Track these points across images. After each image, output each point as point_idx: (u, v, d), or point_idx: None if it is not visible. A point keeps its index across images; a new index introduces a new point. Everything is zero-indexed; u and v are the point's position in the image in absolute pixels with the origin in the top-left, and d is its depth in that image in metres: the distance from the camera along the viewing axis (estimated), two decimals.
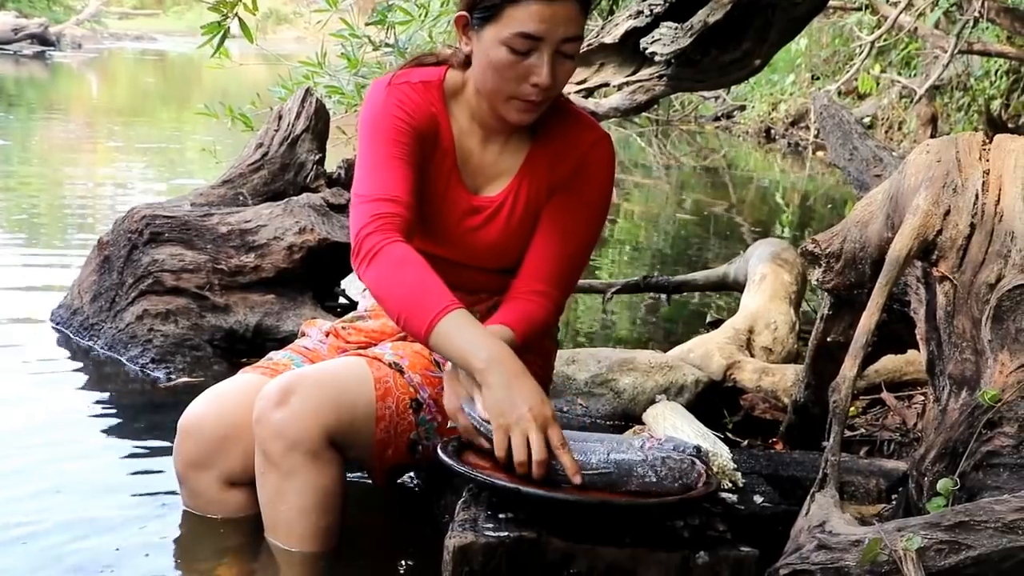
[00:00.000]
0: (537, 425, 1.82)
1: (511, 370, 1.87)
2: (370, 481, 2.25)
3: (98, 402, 3.11)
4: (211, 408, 2.18)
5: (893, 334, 2.43)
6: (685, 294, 4.75)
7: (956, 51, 6.95)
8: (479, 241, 2.23)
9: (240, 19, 3.13)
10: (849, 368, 2.01)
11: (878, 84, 10.80)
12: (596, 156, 2.20)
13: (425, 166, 2.16)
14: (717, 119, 14.32)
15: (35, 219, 5.99)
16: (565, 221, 2.18)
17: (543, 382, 2.32)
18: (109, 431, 2.90)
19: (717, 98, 14.10)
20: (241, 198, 3.76)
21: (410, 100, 2.13)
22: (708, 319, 4.41)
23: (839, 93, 10.37)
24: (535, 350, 2.29)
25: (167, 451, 2.71)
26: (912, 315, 2.31)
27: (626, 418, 3.03)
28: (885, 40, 7.61)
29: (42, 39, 20.15)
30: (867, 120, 10.79)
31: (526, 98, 2.04)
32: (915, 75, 10.12)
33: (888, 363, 3.08)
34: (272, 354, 2.32)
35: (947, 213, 2.11)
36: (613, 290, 4.38)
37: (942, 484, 1.87)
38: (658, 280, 4.51)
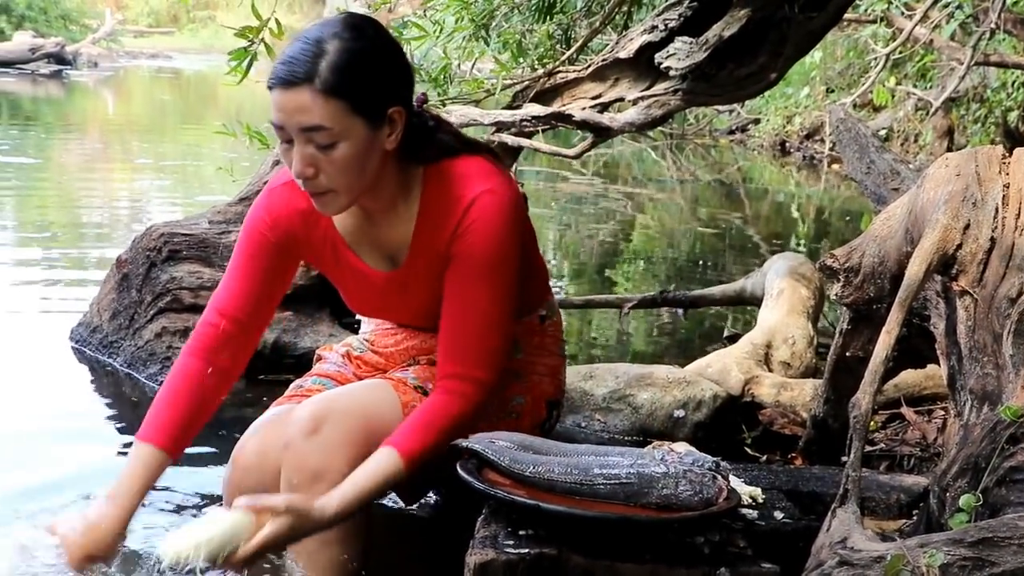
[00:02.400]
0: None
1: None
2: (395, 498, 2.25)
3: (118, 419, 3.13)
4: (254, 439, 2.17)
5: (913, 348, 2.42)
6: (701, 308, 4.74)
7: (972, 63, 6.91)
8: (407, 307, 2.24)
9: (266, 43, 3.15)
10: (869, 383, 2.00)
11: (893, 96, 10.76)
12: (474, 216, 2.02)
13: (314, 260, 2.21)
14: (731, 132, 14.31)
15: (53, 237, 6.03)
16: (462, 293, 2.05)
17: (552, 397, 2.32)
18: (127, 448, 2.90)
19: (731, 111, 14.09)
20: None
21: (278, 205, 2.13)
22: (725, 334, 4.41)
23: (854, 106, 10.35)
24: (540, 371, 2.29)
25: (187, 468, 2.74)
26: (932, 330, 2.30)
27: (644, 433, 3.02)
28: (900, 52, 7.58)
29: (59, 58, 20.27)
30: (883, 133, 10.76)
31: (303, 187, 1.98)
32: (931, 87, 10.10)
33: (908, 377, 3.07)
34: (300, 381, 2.31)
35: (967, 227, 2.10)
36: (630, 305, 4.37)
37: (964, 500, 1.85)
38: (675, 295, 4.50)
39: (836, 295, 2.48)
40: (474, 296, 2.04)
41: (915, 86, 10.41)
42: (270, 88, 1.90)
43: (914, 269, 2.08)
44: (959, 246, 2.09)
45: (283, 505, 1.85)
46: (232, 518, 1.84)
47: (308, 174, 1.93)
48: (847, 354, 2.60)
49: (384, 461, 1.94)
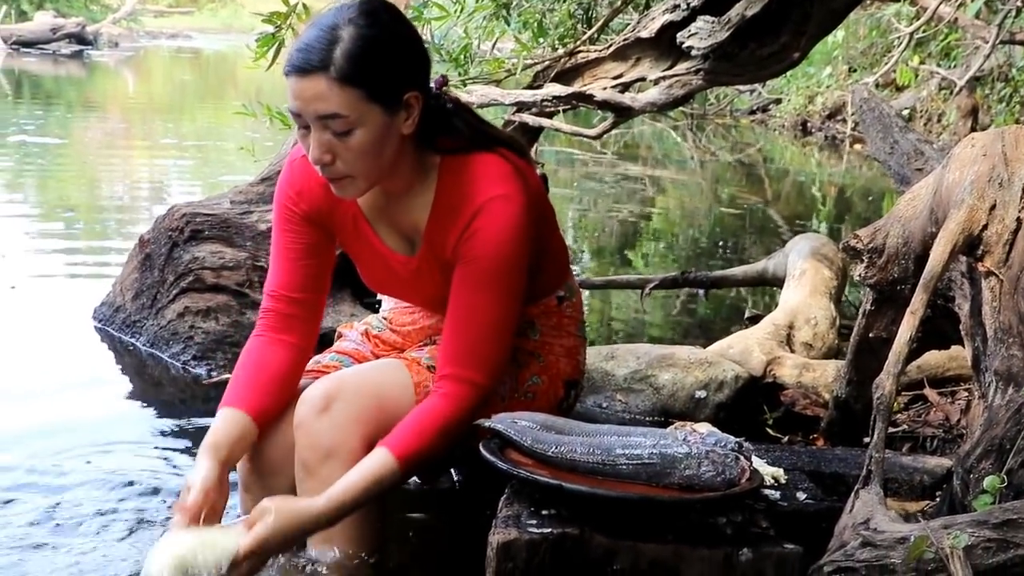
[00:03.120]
0: None
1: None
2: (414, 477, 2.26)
3: (141, 398, 3.15)
4: None
5: (936, 329, 2.41)
6: (722, 289, 4.73)
7: (997, 41, 6.86)
8: (420, 293, 2.25)
9: (293, 29, 3.15)
10: (893, 365, 2.00)
11: (917, 76, 10.68)
12: (482, 222, 2.01)
13: (336, 232, 2.19)
14: (752, 112, 14.23)
15: (76, 216, 6.06)
16: (466, 297, 2.04)
17: (571, 378, 2.32)
18: (152, 427, 2.93)
19: (752, 91, 14.01)
20: None
21: (299, 178, 2.14)
22: (747, 314, 4.39)
23: (877, 85, 10.27)
24: (557, 351, 2.29)
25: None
26: (956, 311, 2.29)
27: (665, 414, 3.02)
28: (924, 31, 7.53)
29: (79, 38, 20.34)
30: (906, 112, 10.67)
31: (321, 172, 1.98)
32: (955, 66, 10.00)
33: (931, 359, 3.06)
34: (319, 358, 2.31)
35: (993, 207, 2.09)
36: (651, 286, 4.36)
37: (989, 481, 1.85)
38: (696, 275, 4.49)
39: (859, 276, 2.47)
40: (477, 301, 2.04)
41: (939, 65, 10.31)
42: (286, 75, 1.91)
43: (939, 250, 2.07)
44: (985, 227, 2.08)
45: (268, 504, 1.86)
46: (218, 529, 1.86)
47: (325, 160, 1.94)
48: (870, 335, 2.59)
49: (378, 462, 1.95)
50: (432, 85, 2.07)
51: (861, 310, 2.62)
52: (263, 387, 2.10)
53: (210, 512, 1.93)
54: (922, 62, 10.53)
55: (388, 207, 2.13)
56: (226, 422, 2.05)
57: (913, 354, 2.32)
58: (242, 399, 2.08)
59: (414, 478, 2.30)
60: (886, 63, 8.04)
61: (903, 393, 3.07)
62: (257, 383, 2.10)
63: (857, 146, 11.22)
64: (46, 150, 8.42)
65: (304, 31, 1.95)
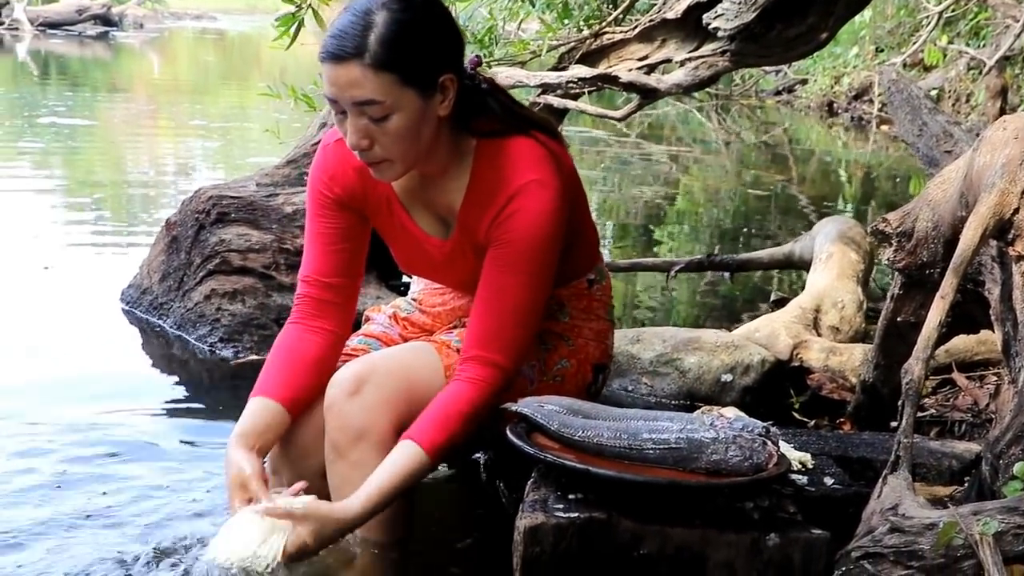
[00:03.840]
0: None
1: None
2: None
3: (168, 379, 3.17)
4: None
5: (966, 314, 2.39)
6: (747, 272, 4.71)
7: None
8: (452, 276, 2.25)
9: (313, 9, 3.15)
10: (922, 349, 1.98)
11: (945, 56, 10.59)
12: (517, 206, 2.01)
13: (370, 215, 2.19)
14: (778, 93, 14.14)
15: (103, 199, 6.10)
16: (497, 278, 2.04)
17: (599, 362, 2.32)
18: (179, 409, 2.95)
19: (778, 72, 13.92)
20: (306, 178, 3.75)
21: (333, 163, 2.13)
22: (772, 298, 4.38)
23: (904, 65, 10.18)
24: (586, 335, 2.28)
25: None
26: (986, 295, 2.27)
27: (691, 397, 3.02)
28: (953, 10, 7.46)
29: (105, 20, 20.44)
30: (934, 93, 10.58)
31: (359, 157, 1.99)
32: (984, 46, 9.89)
33: (959, 343, 3.03)
34: (347, 341, 2.30)
35: None
36: (676, 269, 4.35)
37: (1019, 467, 1.83)
38: (722, 258, 4.48)
39: (888, 260, 2.45)
40: (507, 285, 2.04)
41: (968, 45, 10.21)
42: (322, 61, 1.90)
43: (969, 234, 2.05)
44: (1016, 210, 2.06)
45: (302, 511, 1.87)
46: (270, 520, 1.87)
47: (363, 145, 1.94)
48: (898, 319, 2.57)
49: (407, 456, 1.96)
50: (467, 65, 2.06)
51: (889, 294, 2.61)
52: (296, 375, 2.10)
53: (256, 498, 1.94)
54: (950, 42, 10.42)
55: (423, 189, 2.13)
56: (256, 412, 2.06)
57: (942, 338, 2.30)
58: (274, 388, 2.08)
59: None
60: (914, 43, 7.97)
61: (931, 377, 3.05)
62: (290, 371, 2.10)
63: (884, 127, 11.14)
64: (76, 131, 8.48)
65: (338, 16, 1.94)
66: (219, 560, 1.83)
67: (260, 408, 2.06)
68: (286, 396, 2.07)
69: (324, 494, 2.10)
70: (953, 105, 10.62)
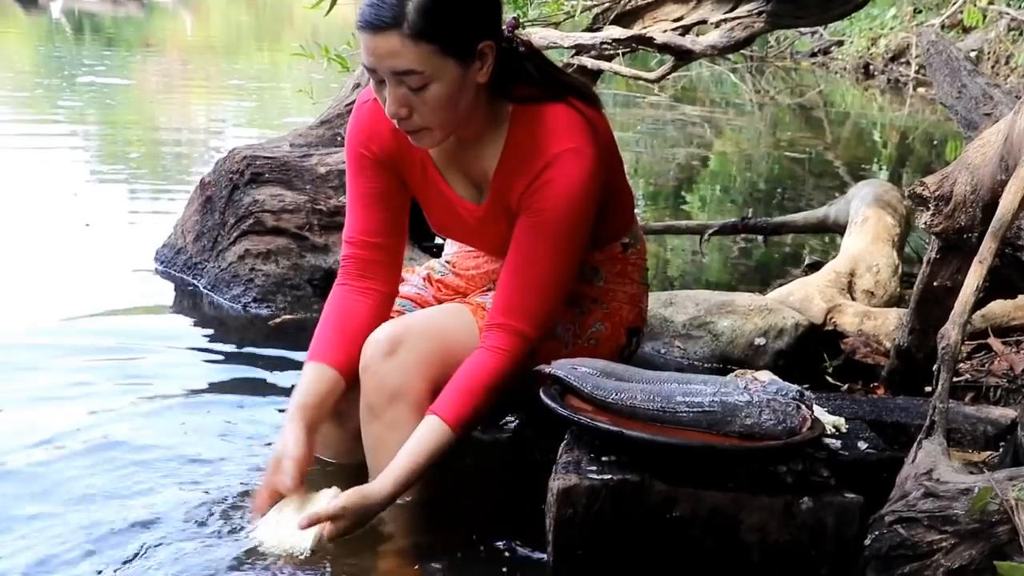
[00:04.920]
0: None
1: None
2: None
3: (203, 339, 3.19)
4: None
5: (1003, 279, 2.38)
6: (780, 236, 4.68)
7: None
8: (485, 240, 2.25)
9: None
10: (959, 314, 1.97)
11: (985, 17, 10.41)
12: (552, 174, 1.99)
13: (406, 177, 2.18)
14: (813, 55, 13.98)
15: (137, 159, 6.14)
16: (527, 246, 2.04)
17: (633, 325, 2.32)
18: (214, 367, 2.97)
19: (814, 33, 13.75)
20: (339, 138, 3.78)
21: (369, 123, 2.13)
22: (806, 261, 4.35)
23: (943, 27, 10.03)
24: (620, 298, 2.28)
25: (271, 387, 2.79)
26: None
27: (724, 361, 3.01)
28: None
29: None
30: (973, 55, 10.42)
31: (398, 126, 1.98)
32: None
33: (996, 307, 3.01)
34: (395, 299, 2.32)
35: None
36: (711, 231, 4.33)
37: None
38: (756, 221, 4.45)
39: (925, 224, 2.43)
40: (536, 253, 2.03)
41: (1008, 5, 10.04)
42: (359, 30, 1.89)
43: (1009, 198, 2.02)
44: None
45: (339, 510, 1.89)
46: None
47: (402, 115, 1.93)
48: (934, 284, 2.55)
49: (432, 431, 1.96)
50: (504, 28, 2.05)
51: (925, 258, 2.58)
52: (349, 339, 2.10)
53: (300, 479, 1.97)
54: (991, 2, 10.25)
55: (457, 153, 2.13)
56: (313, 379, 2.07)
57: (979, 303, 2.28)
58: (328, 353, 2.09)
59: None
60: (953, 4, 7.85)
61: (967, 342, 3.03)
62: (342, 335, 2.11)
63: (921, 89, 11.00)
64: (114, 91, 8.53)
65: None
66: (265, 547, 1.90)
67: (317, 376, 2.07)
68: (341, 362, 2.08)
69: (359, 456, 2.13)
70: (993, 67, 10.45)
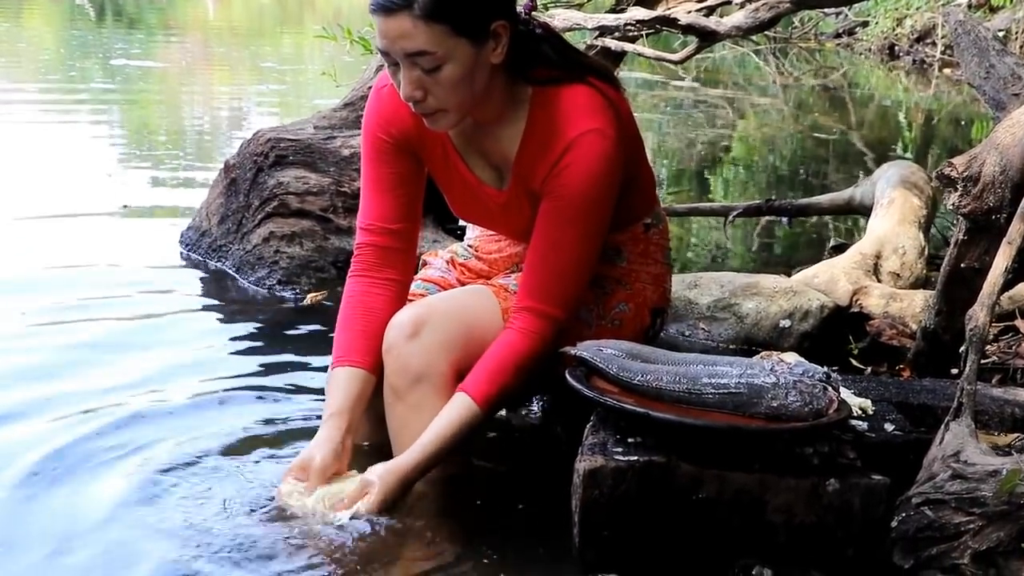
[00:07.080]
0: None
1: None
2: None
3: (229, 321, 3.20)
4: None
5: None
6: (805, 218, 4.65)
7: None
8: (506, 225, 2.25)
9: None
10: (987, 296, 1.96)
11: None
12: (573, 156, 1.99)
13: (425, 161, 2.18)
14: (838, 36, 13.88)
15: (162, 141, 6.17)
16: (552, 230, 2.04)
17: (657, 305, 2.32)
18: (240, 349, 2.98)
19: (839, 14, 13.65)
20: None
21: (388, 106, 2.12)
22: (832, 243, 4.32)
23: (970, 6, 9.94)
24: (644, 279, 2.28)
25: (296, 366, 2.80)
26: None
27: (749, 343, 3.00)
28: None
29: None
30: (1001, 34, 10.32)
31: (413, 108, 1.97)
32: None
33: (1023, 289, 2.99)
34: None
35: None
36: (735, 213, 4.31)
37: None
38: (781, 203, 4.42)
39: (953, 205, 2.41)
40: (562, 237, 2.04)
41: None
42: (372, 13, 1.89)
43: None
44: None
45: (371, 477, 1.94)
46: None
47: (417, 97, 1.93)
48: (962, 265, 2.53)
49: (460, 409, 1.99)
50: (520, 10, 2.04)
51: (953, 240, 2.57)
52: (373, 335, 2.11)
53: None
54: None
55: (478, 137, 2.12)
56: (345, 384, 2.08)
57: (1007, 285, 2.27)
58: (356, 352, 2.10)
59: None
60: None
61: (994, 324, 3.01)
62: (366, 335, 2.12)
63: (947, 70, 10.91)
64: (147, 73, 8.58)
65: None
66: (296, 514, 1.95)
67: (348, 379, 2.09)
68: (369, 361, 2.10)
69: (384, 440, 2.14)
70: (1021, 47, 10.35)
